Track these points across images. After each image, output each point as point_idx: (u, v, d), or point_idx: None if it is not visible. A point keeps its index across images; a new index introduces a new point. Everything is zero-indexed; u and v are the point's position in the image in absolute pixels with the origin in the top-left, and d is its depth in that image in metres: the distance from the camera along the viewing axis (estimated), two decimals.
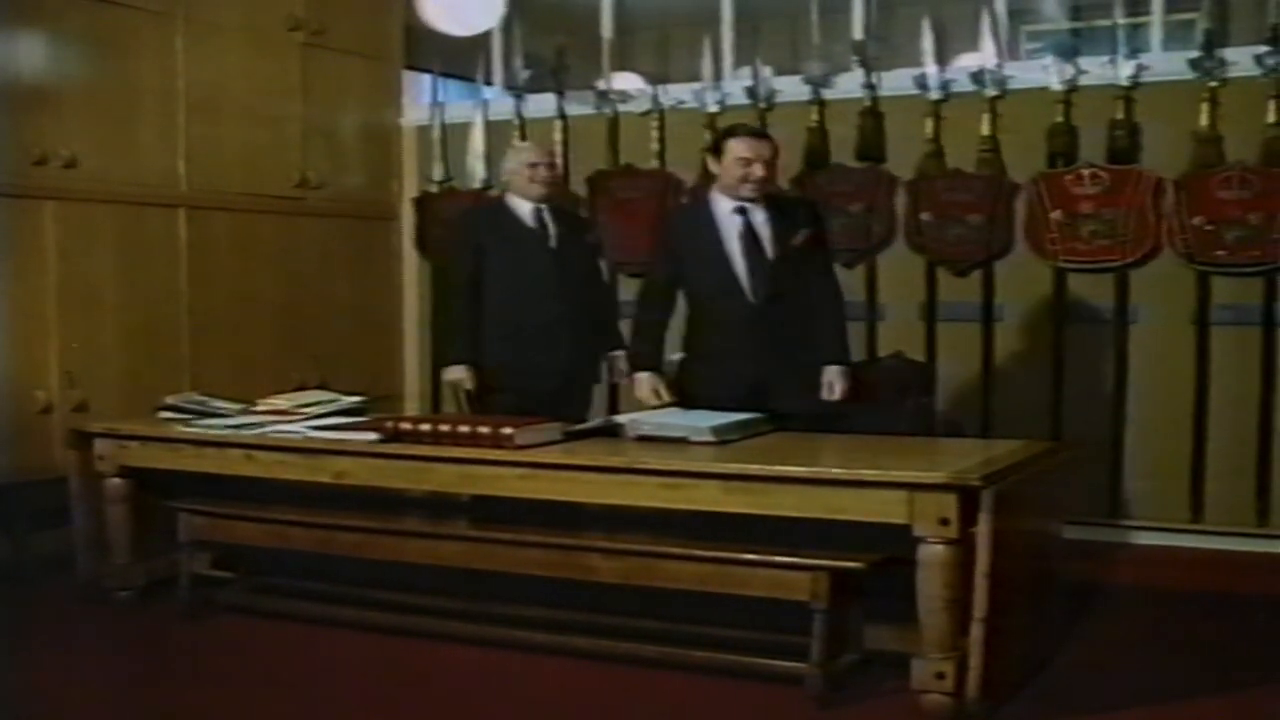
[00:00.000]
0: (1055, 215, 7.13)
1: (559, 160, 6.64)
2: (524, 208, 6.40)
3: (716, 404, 5.55)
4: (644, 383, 5.89)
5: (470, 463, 5.13)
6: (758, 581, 4.70)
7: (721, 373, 5.75)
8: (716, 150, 5.81)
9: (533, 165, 6.37)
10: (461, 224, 6.82)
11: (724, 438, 5.11)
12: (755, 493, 4.69)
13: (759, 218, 5.75)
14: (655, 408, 5.74)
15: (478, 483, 5.17)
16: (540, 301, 6.30)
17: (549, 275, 6.33)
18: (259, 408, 5.79)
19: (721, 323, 5.78)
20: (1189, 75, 6.95)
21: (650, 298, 6.01)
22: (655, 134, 8.11)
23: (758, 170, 5.69)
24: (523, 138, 8.33)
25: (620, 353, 6.52)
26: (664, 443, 5.13)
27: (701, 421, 5.20)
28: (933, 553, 4.41)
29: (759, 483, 4.69)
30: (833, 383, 5.80)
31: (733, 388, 5.68)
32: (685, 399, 5.78)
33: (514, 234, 6.37)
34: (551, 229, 6.40)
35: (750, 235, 5.74)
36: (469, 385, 6.31)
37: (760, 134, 5.90)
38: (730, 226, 5.75)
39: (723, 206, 5.78)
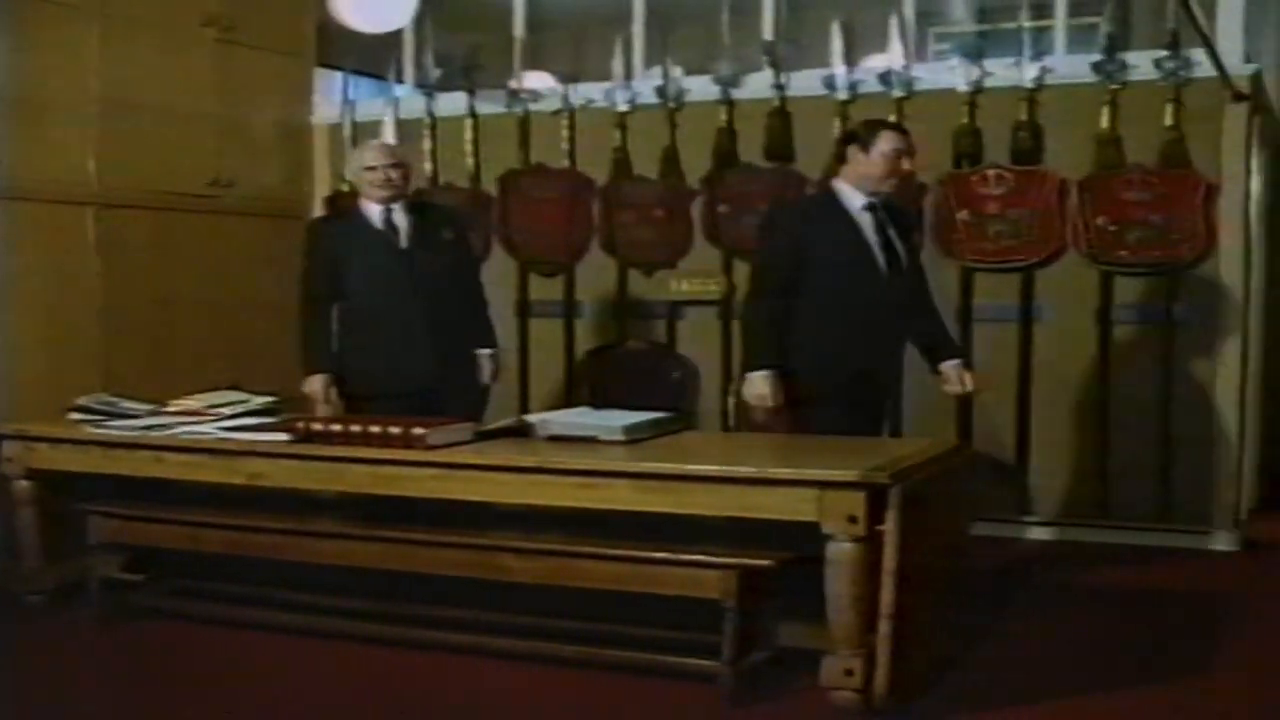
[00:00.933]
0: (962, 215, 7.21)
1: (403, 159, 6.31)
2: (373, 210, 6.18)
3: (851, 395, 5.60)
4: (760, 382, 5.62)
5: (382, 463, 5.11)
6: (670, 580, 4.70)
7: (855, 367, 5.63)
8: (858, 141, 5.67)
9: (370, 169, 6.14)
10: (312, 233, 6.68)
11: (635, 437, 5.12)
12: (667, 491, 4.70)
13: (883, 216, 5.69)
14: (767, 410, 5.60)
15: (390, 483, 5.13)
16: (393, 304, 6.11)
17: (399, 277, 6.11)
18: (170, 408, 5.73)
19: (860, 322, 5.60)
20: (1091, 78, 7.05)
21: (770, 293, 5.68)
22: (566, 133, 8.10)
23: (905, 164, 5.68)
24: (433, 136, 8.32)
25: (488, 351, 6.37)
26: (576, 442, 5.13)
27: (613, 420, 5.21)
28: (841, 550, 4.44)
29: (670, 481, 4.70)
30: (964, 376, 5.85)
31: (864, 377, 5.65)
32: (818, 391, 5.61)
33: (363, 238, 6.17)
34: (403, 229, 6.17)
35: (883, 232, 5.66)
36: (323, 399, 6.14)
37: (906, 130, 5.84)
38: (864, 221, 5.65)
39: (854, 201, 5.66)
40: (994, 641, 5.37)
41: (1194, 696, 4.81)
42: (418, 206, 6.35)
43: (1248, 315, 7.15)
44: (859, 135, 5.72)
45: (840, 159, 5.75)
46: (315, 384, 6.16)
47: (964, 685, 4.85)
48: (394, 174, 6.15)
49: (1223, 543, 6.95)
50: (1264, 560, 6.88)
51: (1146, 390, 7.04)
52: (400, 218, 6.18)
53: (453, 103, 8.36)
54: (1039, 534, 7.21)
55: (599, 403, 6.05)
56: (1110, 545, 7.02)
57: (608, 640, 4.93)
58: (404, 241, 6.17)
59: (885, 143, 5.63)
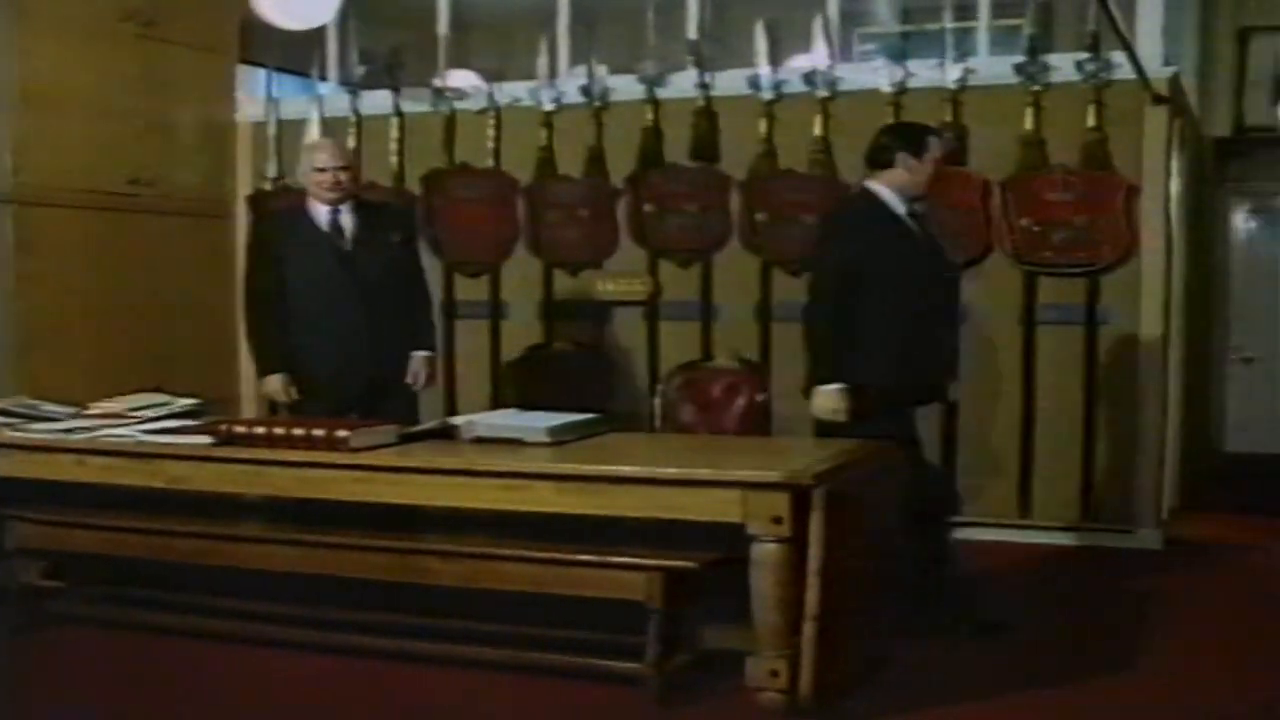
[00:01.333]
0: None
1: (352, 161, 6.25)
2: (320, 210, 6.09)
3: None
4: (833, 397, 5.42)
5: (305, 466, 5.08)
6: (594, 582, 4.71)
7: (926, 374, 5.60)
8: (910, 147, 5.52)
9: (320, 170, 6.04)
10: (259, 231, 6.58)
11: (560, 438, 5.12)
12: (590, 493, 4.72)
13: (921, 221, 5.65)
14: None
15: (313, 486, 5.10)
16: (334, 306, 6.04)
17: (342, 279, 6.04)
18: (91, 411, 5.67)
19: (928, 329, 5.52)
20: (1014, 80, 7.13)
21: (835, 301, 5.45)
22: (491, 132, 8.10)
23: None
24: (358, 134, 8.28)
25: (424, 353, 6.23)
26: (501, 444, 5.13)
27: (537, 422, 5.21)
28: (766, 551, 4.47)
29: (594, 483, 4.72)
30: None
31: (930, 383, 5.69)
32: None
33: (308, 238, 6.09)
34: (348, 230, 6.09)
35: (926, 238, 5.62)
36: (284, 397, 6.09)
37: None
38: (913, 228, 5.55)
39: (898, 207, 5.52)
40: (920, 642, 5.39)
41: (1118, 695, 4.88)
42: (366, 207, 6.27)
43: (1169, 316, 7.24)
44: (907, 141, 5.56)
45: (884, 164, 5.54)
46: (275, 383, 6.10)
47: (889, 686, 4.88)
48: (343, 176, 6.07)
49: (1146, 542, 7.04)
50: (1187, 559, 6.97)
51: (1070, 390, 7.14)
52: (347, 219, 6.11)
53: (377, 101, 8.34)
54: (963, 534, 7.22)
55: (526, 404, 6.05)
56: (1035, 545, 7.10)
57: (532, 643, 4.93)
58: (348, 244, 6.10)
59: (936, 149, 5.56)
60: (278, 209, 7.72)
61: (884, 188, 5.54)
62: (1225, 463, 9.79)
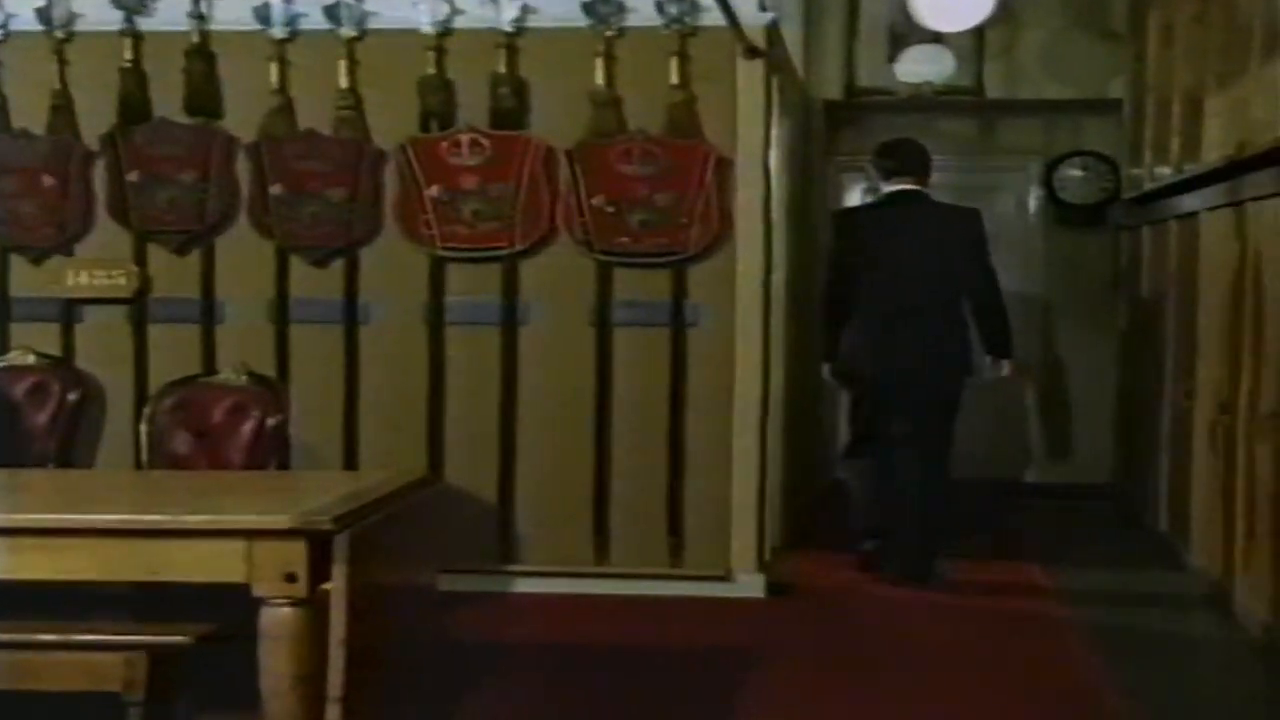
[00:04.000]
0: (431, 191, 7.25)
1: None
2: None
3: None
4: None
5: None
6: (55, 672, 4.54)
7: None
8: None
9: None
10: None
11: None
12: (45, 550, 4.46)
13: None
14: None
15: None
16: None
17: None
18: None
19: None
20: (583, 22, 7.20)
21: None
22: None
23: None
24: None
25: None
26: None
27: None
28: (276, 618, 4.35)
29: (47, 537, 4.47)
30: None
31: None
32: None
33: None
34: None
35: None
36: None
37: None
38: None
39: None
40: (474, 717, 5.44)
41: None
42: None
43: (769, 315, 7.45)
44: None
45: (928, 174, 7.71)
46: None
47: None
48: None
49: (746, 589, 7.22)
50: (792, 606, 7.23)
51: (653, 406, 7.25)
52: None
53: None
54: (526, 586, 7.31)
55: None
56: (614, 597, 7.19)
57: None
58: None
59: None
60: None
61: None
62: (838, 492, 10.09)
